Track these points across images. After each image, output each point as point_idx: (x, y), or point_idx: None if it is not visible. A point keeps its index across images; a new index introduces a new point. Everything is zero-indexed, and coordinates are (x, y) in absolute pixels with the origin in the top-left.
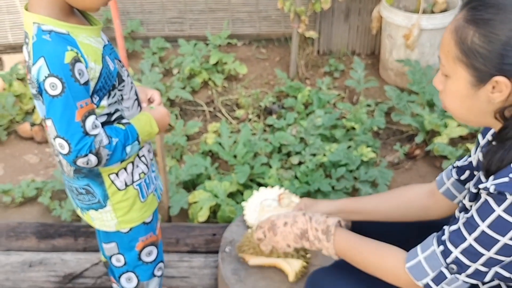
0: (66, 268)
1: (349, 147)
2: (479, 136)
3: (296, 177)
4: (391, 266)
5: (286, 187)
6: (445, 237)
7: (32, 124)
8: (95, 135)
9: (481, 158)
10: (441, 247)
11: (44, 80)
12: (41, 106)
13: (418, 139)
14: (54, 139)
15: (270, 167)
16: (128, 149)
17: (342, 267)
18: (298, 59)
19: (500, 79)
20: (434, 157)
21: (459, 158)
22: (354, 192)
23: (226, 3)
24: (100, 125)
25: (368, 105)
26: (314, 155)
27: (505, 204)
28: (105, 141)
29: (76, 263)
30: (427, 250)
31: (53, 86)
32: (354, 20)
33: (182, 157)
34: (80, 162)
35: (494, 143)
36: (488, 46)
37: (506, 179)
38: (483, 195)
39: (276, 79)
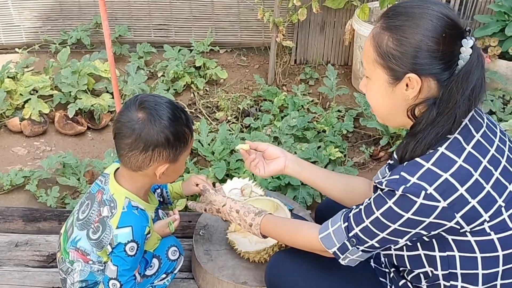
0: (50, 248)
1: (319, 147)
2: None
3: None
4: (307, 236)
5: (259, 181)
6: (350, 215)
7: (22, 119)
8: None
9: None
10: (346, 224)
11: (126, 243)
12: (92, 248)
13: (383, 142)
14: (110, 279)
15: None
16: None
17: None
18: (276, 67)
19: (412, 75)
20: None
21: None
22: None
23: (209, 13)
24: None
25: (339, 111)
26: None
27: (394, 198)
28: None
29: None
30: (335, 225)
31: (132, 249)
32: (329, 32)
33: None
34: None
35: (406, 137)
36: (400, 48)
37: (396, 176)
38: (378, 190)
39: (255, 85)
